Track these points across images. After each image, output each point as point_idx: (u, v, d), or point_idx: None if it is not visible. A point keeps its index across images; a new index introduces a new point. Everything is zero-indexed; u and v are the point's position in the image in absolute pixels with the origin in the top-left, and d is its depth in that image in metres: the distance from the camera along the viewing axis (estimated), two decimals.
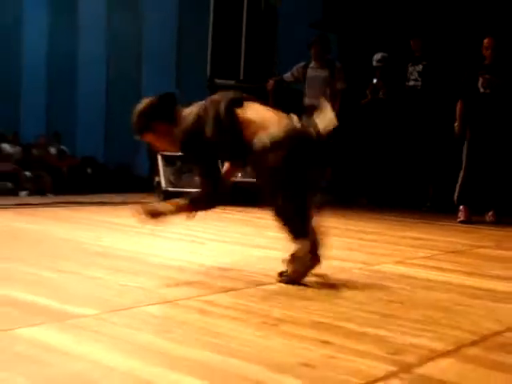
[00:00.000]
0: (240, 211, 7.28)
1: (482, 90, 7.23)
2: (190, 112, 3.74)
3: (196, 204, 3.81)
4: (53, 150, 14.60)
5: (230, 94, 3.82)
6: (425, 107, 8.15)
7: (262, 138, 3.46)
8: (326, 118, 3.73)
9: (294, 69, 8.74)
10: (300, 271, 3.52)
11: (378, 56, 8.70)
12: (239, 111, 3.64)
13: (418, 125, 8.20)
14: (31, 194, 11.44)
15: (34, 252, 4.37)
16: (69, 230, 5.54)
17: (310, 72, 8.60)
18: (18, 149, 14.36)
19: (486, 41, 7.28)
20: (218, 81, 9.15)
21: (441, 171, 8.18)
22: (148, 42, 13.93)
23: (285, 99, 8.92)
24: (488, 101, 7.19)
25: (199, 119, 3.64)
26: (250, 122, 3.62)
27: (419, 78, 8.34)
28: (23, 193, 11.44)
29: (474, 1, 8.18)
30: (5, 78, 17.45)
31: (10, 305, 2.86)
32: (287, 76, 8.77)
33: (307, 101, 8.53)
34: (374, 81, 8.67)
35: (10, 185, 11.72)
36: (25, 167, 12.81)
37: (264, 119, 3.67)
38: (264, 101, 8.78)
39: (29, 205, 7.71)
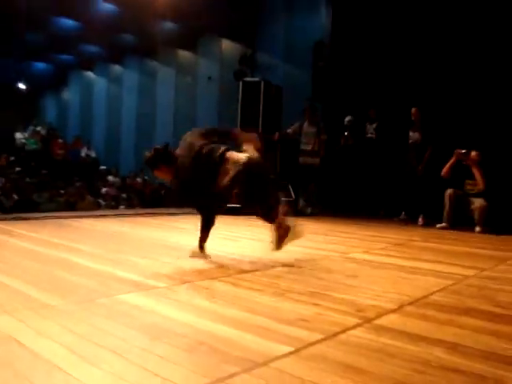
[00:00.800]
0: (259, 219, 7.27)
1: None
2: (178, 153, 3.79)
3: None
4: (139, 180, 14.69)
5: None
6: (378, 150, 8.27)
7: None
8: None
9: (293, 126, 8.77)
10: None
11: (348, 118, 8.76)
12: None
13: (374, 160, 8.28)
14: (126, 208, 11.52)
15: (128, 246, 4.40)
16: (150, 232, 5.56)
17: (304, 128, 8.63)
18: (118, 179, 14.48)
19: (412, 110, 7.57)
20: None
21: (389, 190, 8.20)
22: (199, 113, 14.02)
23: (287, 145, 8.98)
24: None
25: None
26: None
27: (374, 132, 8.44)
28: (121, 207, 11.50)
29: (408, 83, 8.16)
30: (110, 133, 17.69)
31: (113, 279, 2.89)
32: (289, 130, 8.78)
33: (302, 146, 8.60)
34: (345, 133, 8.71)
35: (113, 203, 11.81)
36: (122, 191, 12.90)
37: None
38: (274, 146, 8.95)
39: (124, 215, 7.75)
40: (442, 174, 6.87)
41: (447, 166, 6.83)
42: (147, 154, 3.90)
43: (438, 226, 6.76)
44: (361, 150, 8.57)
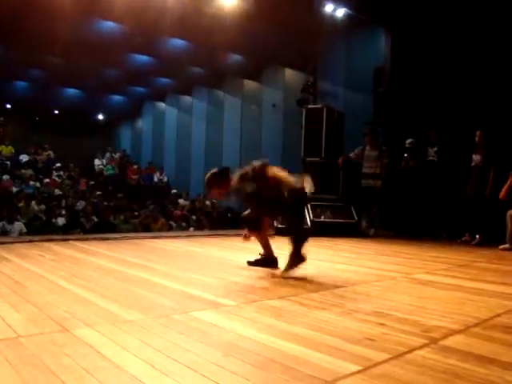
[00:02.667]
0: (324, 240, 7.21)
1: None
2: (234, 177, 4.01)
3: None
4: (208, 203, 14.93)
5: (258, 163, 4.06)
6: (439, 173, 8.05)
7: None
8: (308, 185, 3.96)
9: (356, 150, 8.70)
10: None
11: (408, 140, 8.60)
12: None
13: (436, 183, 8.06)
14: (196, 229, 11.72)
15: (199, 265, 4.47)
16: (218, 251, 5.63)
17: (366, 152, 8.55)
18: (188, 202, 14.78)
19: (477, 133, 7.29)
20: (308, 159, 9.20)
21: (452, 213, 7.97)
22: (265, 138, 14.16)
23: (350, 169, 8.91)
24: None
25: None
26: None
27: (435, 155, 8.23)
28: (191, 228, 11.72)
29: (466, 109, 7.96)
30: (181, 159, 18.13)
31: (187, 297, 2.94)
32: (352, 155, 8.72)
33: (364, 169, 8.52)
34: (405, 155, 8.55)
35: (184, 224, 12.04)
36: (191, 213, 13.14)
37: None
38: (337, 172, 8.86)
39: (194, 236, 7.88)
40: (501, 196, 6.62)
41: (505, 187, 6.58)
42: (206, 174, 4.26)
43: (501, 247, 6.49)
44: (422, 172, 8.38)
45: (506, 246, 6.46)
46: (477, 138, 7.36)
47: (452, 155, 7.95)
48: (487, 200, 7.06)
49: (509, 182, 6.56)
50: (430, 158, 8.33)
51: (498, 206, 6.79)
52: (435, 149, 8.23)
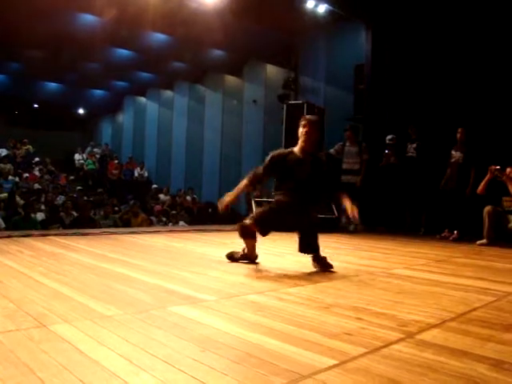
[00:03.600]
0: None
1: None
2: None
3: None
4: (188, 198, 14.88)
5: None
6: (418, 169, 8.12)
7: None
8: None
9: (336, 146, 8.74)
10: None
11: (389, 136, 8.65)
12: None
13: (415, 179, 8.13)
14: (175, 224, 11.67)
15: (179, 260, 4.45)
16: (198, 247, 5.60)
17: (346, 148, 8.60)
18: (168, 197, 14.71)
19: (459, 130, 7.38)
20: None
21: (431, 208, 8.07)
22: (246, 135, 14.16)
23: (330, 165, 8.93)
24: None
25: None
26: None
27: (414, 151, 8.29)
28: (170, 224, 11.67)
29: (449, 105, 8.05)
30: (162, 154, 18.05)
31: (165, 292, 2.93)
32: (331, 151, 8.75)
33: (344, 165, 8.56)
34: (386, 151, 8.59)
35: (164, 219, 11.98)
36: (172, 208, 13.08)
37: None
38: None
39: (175, 231, 7.85)
40: (478, 190, 6.71)
41: (483, 182, 6.67)
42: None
43: (479, 242, 6.58)
44: (402, 168, 8.45)
45: (484, 241, 6.55)
46: (458, 135, 7.46)
47: (431, 151, 8.03)
48: (466, 197, 7.16)
49: (487, 176, 6.63)
50: (410, 154, 8.40)
51: (475, 202, 6.89)
52: (414, 145, 8.30)
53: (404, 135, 8.53)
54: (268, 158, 4.22)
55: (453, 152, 7.57)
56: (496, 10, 7.72)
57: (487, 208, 6.56)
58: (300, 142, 4.16)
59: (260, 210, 4.25)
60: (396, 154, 8.61)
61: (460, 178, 7.35)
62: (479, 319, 2.49)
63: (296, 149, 4.18)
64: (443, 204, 7.55)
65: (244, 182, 4.24)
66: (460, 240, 7.14)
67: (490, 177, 6.60)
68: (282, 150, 4.38)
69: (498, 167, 6.53)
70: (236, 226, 4.13)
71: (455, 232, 7.35)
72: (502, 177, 6.50)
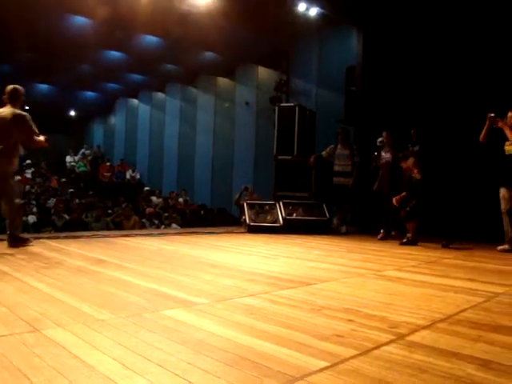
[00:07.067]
0: (296, 238, 7.27)
1: None
2: None
3: None
4: (181, 200, 14.87)
5: None
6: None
7: None
8: None
9: (328, 149, 8.76)
10: None
11: (380, 139, 8.63)
12: None
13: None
14: (167, 226, 11.64)
15: (171, 264, 4.46)
16: (191, 250, 5.62)
17: (338, 151, 8.62)
18: (160, 200, 14.68)
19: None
20: (279, 157, 9.26)
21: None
22: (238, 136, 14.18)
23: (322, 167, 8.97)
24: None
25: None
26: None
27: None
28: (162, 226, 11.64)
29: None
30: (154, 156, 18.03)
31: (158, 295, 2.94)
32: (323, 153, 8.77)
33: (336, 168, 8.59)
34: (375, 153, 8.53)
35: (156, 221, 11.95)
36: (164, 211, 13.06)
37: None
38: (309, 170, 8.88)
39: (167, 234, 7.84)
40: (480, 139, 6.50)
41: (483, 131, 6.47)
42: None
43: (500, 248, 6.21)
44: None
45: (505, 246, 6.23)
46: (384, 139, 7.87)
47: (432, 154, 7.95)
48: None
49: (486, 125, 6.45)
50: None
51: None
52: (416, 148, 8.13)
53: (395, 137, 8.51)
54: None
55: (383, 153, 7.83)
56: (487, 12, 7.78)
57: (503, 191, 6.31)
58: None
59: None
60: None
61: (393, 178, 7.58)
62: (468, 320, 2.52)
63: None
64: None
65: None
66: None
67: (488, 124, 6.43)
68: None
69: (493, 114, 6.42)
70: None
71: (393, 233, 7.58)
72: (497, 123, 6.41)
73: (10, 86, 5.38)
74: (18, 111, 5.29)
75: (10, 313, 2.43)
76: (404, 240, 6.80)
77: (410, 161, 6.92)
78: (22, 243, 5.23)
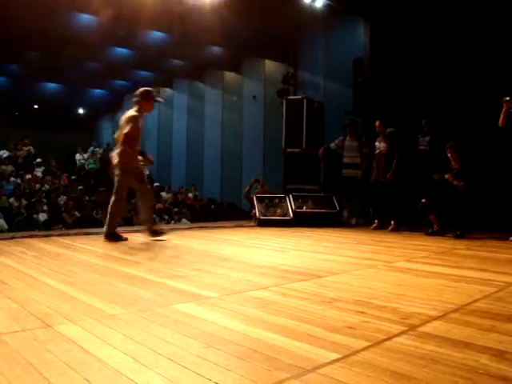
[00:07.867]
0: (307, 231, 7.25)
1: None
2: None
3: None
4: (190, 195, 14.89)
5: None
6: (431, 163, 7.82)
7: None
8: None
9: (336, 141, 8.70)
10: None
11: (389, 129, 8.53)
12: None
13: (427, 172, 7.89)
14: (177, 221, 11.67)
15: (182, 258, 4.47)
16: (201, 244, 5.62)
17: (346, 143, 8.55)
18: (170, 195, 14.71)
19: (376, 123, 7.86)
20: (288, 150, 9.25)
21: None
22: (246, 129, 14.13)
23: (331, 159, 8.92)
24: None
25: None
26: None
27: (427, 145, 8.01)
28: (172, 222, 11.67)
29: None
30: (163, 152, 18.01)
31: (169, 290, 2.93)
32: (332, 145, 8.71)
33: (344, 159, 8.54)
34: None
35: (166, 217, 11.99)
36: (174, 206, 13.09)
37: None
38: (318, 162, 8.84)
39: (177, 229, 7.84)
40: (499, 123, 6.37)
41: (501, 115, 6.35)
42: None
43: None
44: (410, 162, 8.30)
45: None
46: (379, 128, 7.84)
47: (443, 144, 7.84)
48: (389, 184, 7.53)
49: (504, 109, 6.35)
50: (422, 147, 8.06)
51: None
52: (427, 138, 7.99)
53: (404, 128, 8.43)
54: None
55: (376, 143, 7.84)
56: (495, 4, 7.69)
57: None
58: None
59: None
60: (396, 146, 8.45)
61: (386, 168, 7.62)
62: (481, 310, 2.50)
63: None
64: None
65: None
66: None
67: (506, 108, 6.36)
68: None
69: (508, 98, 6.29)
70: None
71: (392, 222, 7.52)
72: None
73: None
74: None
75: (22, 309, 2.45)
76: (429, 231, 6.84)
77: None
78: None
